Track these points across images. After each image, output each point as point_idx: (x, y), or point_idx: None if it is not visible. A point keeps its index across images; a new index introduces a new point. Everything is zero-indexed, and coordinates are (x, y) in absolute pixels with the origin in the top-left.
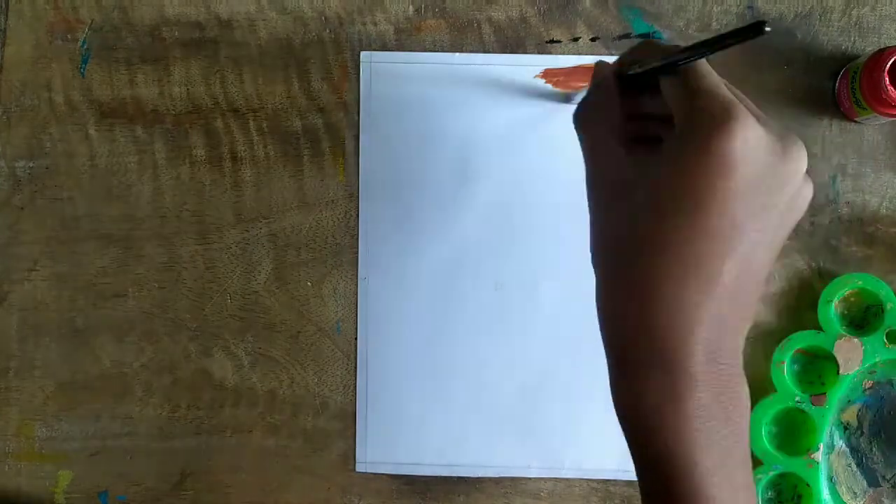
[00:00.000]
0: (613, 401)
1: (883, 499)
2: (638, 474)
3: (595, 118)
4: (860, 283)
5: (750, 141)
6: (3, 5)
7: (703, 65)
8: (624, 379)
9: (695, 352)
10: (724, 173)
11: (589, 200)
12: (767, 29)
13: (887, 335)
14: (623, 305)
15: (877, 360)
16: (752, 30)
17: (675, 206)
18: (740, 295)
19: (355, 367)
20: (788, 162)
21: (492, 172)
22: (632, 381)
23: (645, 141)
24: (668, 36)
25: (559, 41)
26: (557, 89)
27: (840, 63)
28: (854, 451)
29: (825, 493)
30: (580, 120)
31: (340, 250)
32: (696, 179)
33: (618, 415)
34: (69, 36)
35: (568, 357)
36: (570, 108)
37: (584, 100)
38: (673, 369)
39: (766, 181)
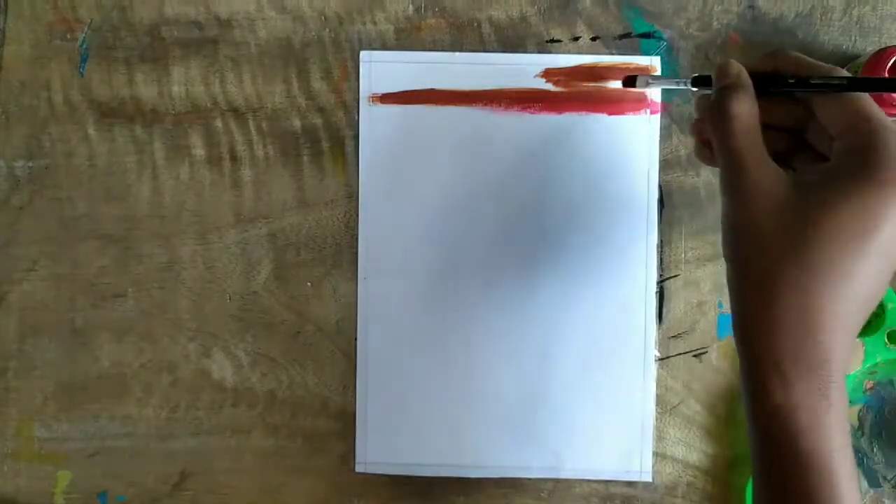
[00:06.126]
0: (755, 401)
1: (884, 499)
2: (765, 471)
3: (735, 122)
4: None
5: None
6: (3, 5)
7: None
8: (779, 379)
9: (841, 355)
10: None
11: (726, 198)
12: None
13: (888, 336)
14: (783, 314)
15: (878, 360)
16: None
17: (851, 229)
18: (872, 305)
19: (355, 367)
20: None
21: (492, 172)
22: (788, 381)
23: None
24: (668, 35)
25: (559, 41)
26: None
27: (841, 63)
28: (855, 451)
29: None
30: (719, 121)
31: (340, 250)
32: (875, 206)
33: (760, 413)
34: (68, 36)
35: (568, 357)
36: (569, 111)
37: (714, 100)
38: (828, 371)
39: None
